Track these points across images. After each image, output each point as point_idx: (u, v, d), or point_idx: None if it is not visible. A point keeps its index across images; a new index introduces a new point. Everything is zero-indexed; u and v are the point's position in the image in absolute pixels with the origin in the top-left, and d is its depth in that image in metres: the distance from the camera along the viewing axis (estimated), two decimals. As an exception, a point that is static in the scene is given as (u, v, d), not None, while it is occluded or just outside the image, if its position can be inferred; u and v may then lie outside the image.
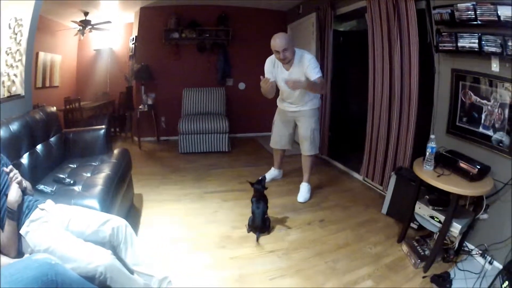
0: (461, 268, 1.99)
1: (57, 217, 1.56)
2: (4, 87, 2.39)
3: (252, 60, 4.62)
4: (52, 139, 2.58)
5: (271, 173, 3.60)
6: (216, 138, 4.56)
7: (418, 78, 2.52)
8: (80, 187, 2.10)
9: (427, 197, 2.13)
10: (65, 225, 1.54)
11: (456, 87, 2.22)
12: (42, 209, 1.57)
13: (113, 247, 1.59)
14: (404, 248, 2.23)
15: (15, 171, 1.55)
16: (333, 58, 3.92)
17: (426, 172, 2.00)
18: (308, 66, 2.62)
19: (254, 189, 2.52)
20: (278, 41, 2.57)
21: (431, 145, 1.99)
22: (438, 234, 2.00)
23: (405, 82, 2.63)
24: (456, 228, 1.91)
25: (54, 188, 2.01)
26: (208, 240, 2.40)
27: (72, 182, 2.12)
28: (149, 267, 1.68)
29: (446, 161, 2.02)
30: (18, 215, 1.47)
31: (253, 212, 2.49)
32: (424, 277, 1.96)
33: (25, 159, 2.14)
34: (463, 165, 1.92)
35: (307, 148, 3.05)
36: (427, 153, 2.01)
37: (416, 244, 2.18)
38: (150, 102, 4.83)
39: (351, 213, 2.82)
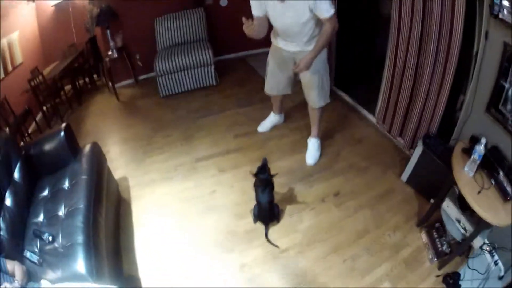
0: (470, 266, 1.82)
1: None
2: None
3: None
4: (16, 175, 2.08)
5: (271, 120, 3.13)
6: (200, 72, 3.84)
7: (463, 20, 1.78)
8: (60, 242, 1.78)
9: (457, 193, 1.79)
10: None
11: (506, 65, 1.57)
12: None
13: None
14: (423, 236, 2.05)
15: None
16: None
17: (465, 180, 1.61)
18: None
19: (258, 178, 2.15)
20: None
21: (480, 150, 1.52)
22: (461, 242, 1.76)
23: (445, 22, 1.87)
24: (479, 241, 1.66)
25: (39, 253, 1.75)
26: (211, 240, 2.19)
27: (51, 239, 1.79)
28: None
29: (489, 167, 1.59)
30: None
31: (258, 202, 2.20)
32: (437, 276, 1.84)
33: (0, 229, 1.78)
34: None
35: (315, 99, 2.46)
36: (473, 157, 1.56)
37: (436, 235, 1.99)
38: (119, 44, 3.96)
39: (368, 180, 2.50)
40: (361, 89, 3.33)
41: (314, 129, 2.72)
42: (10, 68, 3.58)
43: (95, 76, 4.61)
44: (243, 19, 1.94)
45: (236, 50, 4.66)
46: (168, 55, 3.73)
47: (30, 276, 1.60)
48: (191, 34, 4.02)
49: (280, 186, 2.47)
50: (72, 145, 2.32)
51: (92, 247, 1.73)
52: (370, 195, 2.37)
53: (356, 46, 3.31)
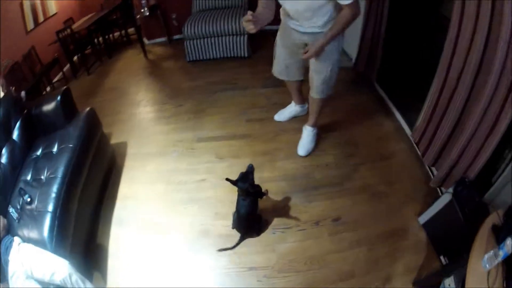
0: None
1: (22, 267, 1.60)
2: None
3: None
4: (15, 133, 2.18)
5: (290, 110, 2.75)
6: (232, 41, 3.51)
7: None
8: (35, 206, 1.84)
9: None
10: (29, 274, 1.58)
11: None
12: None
13: None
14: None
15: None
16: None
17: (477, 272, 1.14)
18: None
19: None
20: None
21: (508, 247, 1.04)
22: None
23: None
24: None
25: (19, 209, 1.87)
26: (182, 233, 2.05)
27: (29, 200, 1.87)
28: None
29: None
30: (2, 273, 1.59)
31: (237, 211, 1.93)
32: None
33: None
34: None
35: (317, 89, 2.12)
36: (497, 251, 1.09)
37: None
38: (152, 2, 3.80)
39: (379, 211, 2.03)
40: (406, 94, 2.71)
41: (311, 118, 2.37)
42: (41, 18, 3.59)
43: (131, 30, 4.52)
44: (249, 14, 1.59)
45: (277, 22, 4.15)
46: (200, 19, 3.44)
47: (9, 229, 1.76)
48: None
49: (276, 192, 2.19)
50: (68, 109, 2.32)
51: (58, 218, 1.77)
52: (374, 231, 1.94)
53: (409, 43, 2.66)
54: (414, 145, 2.31)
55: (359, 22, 2.72)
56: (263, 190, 2.03)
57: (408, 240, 1.88)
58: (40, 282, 1.58)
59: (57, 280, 1.56)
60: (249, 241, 1.96)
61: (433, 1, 2.25)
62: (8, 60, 3.11)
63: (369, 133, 2.57)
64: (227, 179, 1.81)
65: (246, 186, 1.81)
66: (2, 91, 2.74)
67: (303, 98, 2.65)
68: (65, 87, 2.35)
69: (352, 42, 3.02)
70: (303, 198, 2.15)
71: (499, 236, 1.14)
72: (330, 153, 2.42)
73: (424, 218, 1.89)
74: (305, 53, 1.82)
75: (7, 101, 2.25)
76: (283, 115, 2.76)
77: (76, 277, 1.58)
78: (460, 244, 1.40)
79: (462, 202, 1.54)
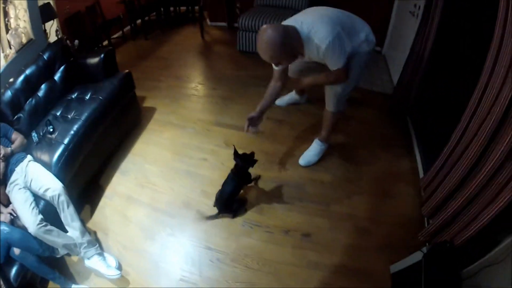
0: None
1: (23, 177, 1.92)
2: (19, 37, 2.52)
3: None
4: (57, 75, 2.56)
5: (290, 97, 2.96)
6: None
7: None
8: (55, 136, 2.17)
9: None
10: (28, 185, 1.90)
11: None
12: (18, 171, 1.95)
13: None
14: None
15: None
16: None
17: None
18: (324, 56, 1.83)
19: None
20: (262, 55, 1.76)
21: None
22: None
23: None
24: None
25: (41, 135, 2.21)
26: (168, 198, 2.25)
27: (51, 130, 2.21)
28: (74, 232, 1.85)
29: None
30: (4, 179, 1.90)
31: (222, 187, 2.07)
32: None
33: (25, 109, 2.32)
34: None
35: (328, 102, 2.20)
36: None
37: None
38: None
39: (353, 245, 1.92)
40: (434, 136, 2.43)
41: (322, 131, 2.39)
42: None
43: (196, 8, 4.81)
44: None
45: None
46: (258, 13, 3.57)
47: (25, 149, 2.08)
48: (293, 1, 3.70)
49: (262, 190, 2.26)
50: (108, 67, 2.66)
51: (68, 151, 2.10)
52: (339, 262, 1.85)
53: (453, 81, 2.42)
54: (422, 192, 2.16)
55: (408, 49, 2.62)
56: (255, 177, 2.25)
57: (369, 285, 1.76)
58: (34, 194, 1.87)
59: (48, 196, 1.84)
60: (218, 224, 2.06)
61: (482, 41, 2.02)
62: (66, 8, 3.49)
63: (381, 166, 2.44)
64: (235, 150, 2.04)
65: (240, 163, 2.03)
66: (57, 36, 3.13)
67: (303, 90, 2.89)
68: (110, 48, 2.70)
69: (398, 68, 2.92)
70: (285, 205, 2.17)
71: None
72: (331, 173, 2.37)
73: (395, 268, 1.75)
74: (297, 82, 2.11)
75: (55, 46, 2.62)
76: (283, 100, 2.95)
77: (63, 198, 1.84)
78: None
79: (434, 267, 1.41)
